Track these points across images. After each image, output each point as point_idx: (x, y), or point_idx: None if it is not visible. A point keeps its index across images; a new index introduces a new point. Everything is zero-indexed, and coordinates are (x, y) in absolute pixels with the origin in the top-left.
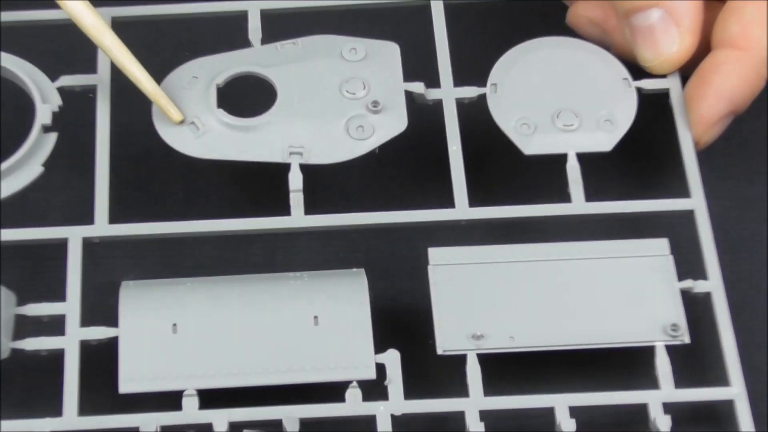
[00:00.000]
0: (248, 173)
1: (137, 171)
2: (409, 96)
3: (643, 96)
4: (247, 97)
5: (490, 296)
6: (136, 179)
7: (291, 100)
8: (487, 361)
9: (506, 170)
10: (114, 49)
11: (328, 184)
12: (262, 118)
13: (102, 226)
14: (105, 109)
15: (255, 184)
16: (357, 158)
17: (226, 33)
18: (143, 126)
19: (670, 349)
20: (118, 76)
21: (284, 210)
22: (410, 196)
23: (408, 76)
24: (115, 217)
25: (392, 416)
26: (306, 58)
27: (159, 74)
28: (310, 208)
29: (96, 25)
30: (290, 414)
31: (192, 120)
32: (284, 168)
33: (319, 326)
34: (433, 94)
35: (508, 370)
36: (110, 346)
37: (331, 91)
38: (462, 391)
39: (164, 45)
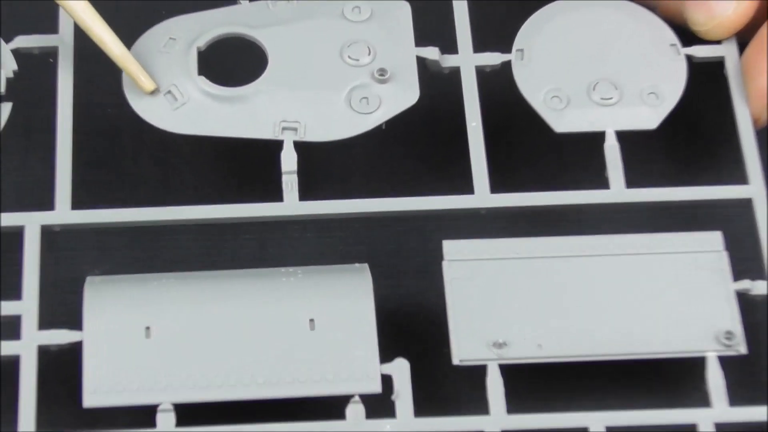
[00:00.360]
0: (234, 152)
1: (104, 148)
2: (422, 63)
3: (694, 65)
4: (233, 62)
5: (514, 297)
6: (102, 158)
7: (284, 67)
8: (511, 372)
9: (534, 151)
10: (75, 5)
11: (327, 166)
12: (251, 87)
13: (63, 213)
14: (67, 76)
15: (242, 165)
16: (360, 135)
17: None
18: (112, 96)
19: (724, 361)
20: (83, 36)
21: (276, 195)
22: (422, 180)
23: (420, 40)
24: (78, 203)
25: None
26: (302, 17)
27: (130, 36)
28: (306, 194)
29: None
30: None
31: (168, 89)
32: (276, 146)
33: (315, 331)
34: (449, 60)
35: (534, 383)
36: (74, 352)
37: (331, 56)
38: (481, 407)
39: (136, 1)
